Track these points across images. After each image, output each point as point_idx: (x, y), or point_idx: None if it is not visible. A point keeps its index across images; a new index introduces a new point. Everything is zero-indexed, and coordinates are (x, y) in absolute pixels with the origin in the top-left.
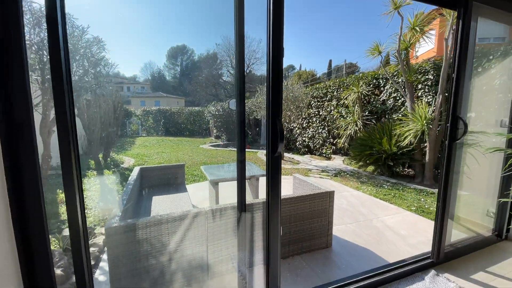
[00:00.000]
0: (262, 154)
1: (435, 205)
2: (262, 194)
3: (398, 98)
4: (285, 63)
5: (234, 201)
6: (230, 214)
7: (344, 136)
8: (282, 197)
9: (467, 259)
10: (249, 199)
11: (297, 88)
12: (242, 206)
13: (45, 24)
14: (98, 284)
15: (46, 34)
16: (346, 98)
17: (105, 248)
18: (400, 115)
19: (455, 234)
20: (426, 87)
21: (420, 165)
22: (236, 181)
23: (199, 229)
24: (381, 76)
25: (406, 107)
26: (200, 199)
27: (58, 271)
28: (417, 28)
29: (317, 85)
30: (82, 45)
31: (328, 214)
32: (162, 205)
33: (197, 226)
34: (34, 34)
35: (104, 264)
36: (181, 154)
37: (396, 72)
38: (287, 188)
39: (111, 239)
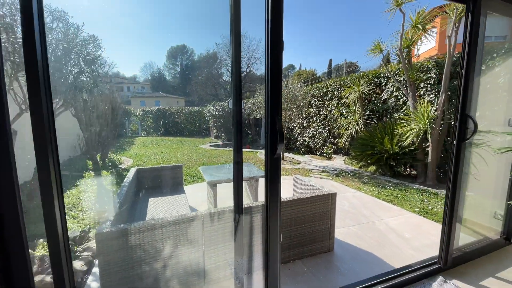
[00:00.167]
0: (262, 154)
1: (438, 205)
2: (262, 196)
3: (399, 97)
4: (285, 63)
5: (232, 203)
6: (227, 218)
7: (345, 136)
8: (282, 200)
9: (475, 264)
10: (248, 201)
11: (297, 87)
12: (239, 209)
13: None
14: None
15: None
16: (347, 97)
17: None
18: (402, 114)
19: (462, 238)
20: (429, 85)
21: (423, 165)
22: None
23: (195, 233)
24: (382, 75)
25: (408, 106)
26: (198, 201)
27: (48, 278)
28: (419, 26)
29: (318, 84)
30: (78, 43)
31: (330, 217)
32: (158, 207)
33: (193, 231)
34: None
35: (97, 270)
36: (180, 154)
37: (397, 71)
38: (287, 189)
39: (102, 245)
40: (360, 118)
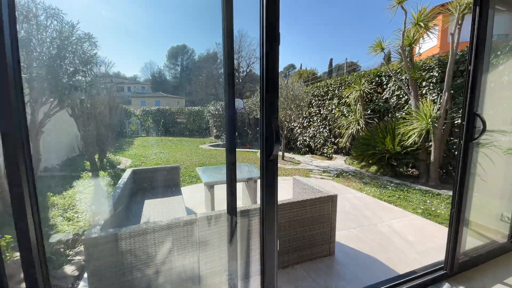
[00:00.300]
0: None
1: (441, 206)
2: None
3: (401, 96)
4: (286, 63)
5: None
6: (224, 221)
7: (346, 136)
8: (280, 202)
9: (482, 269)
10: (247, 202)
11: (298, 86)
12: (232, 212)
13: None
14: None
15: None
16: (347, 97)
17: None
18: (404, 113)
19: (469, 241)
20: (431, 84)
21: (425, 165)
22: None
23: (190, 238)
24: (383, 74)
25: (410, 105)
26: (196, 202)
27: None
28: (421, 24)
29: (318, 83)
30: (73, 41)
31: (330, 220)
32: (154, 209)
33: (187, 235)
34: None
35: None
36: (179, 154)
37: (399, 69)
38: (287, 189)
39: (91, 252)
40: (361, 118)
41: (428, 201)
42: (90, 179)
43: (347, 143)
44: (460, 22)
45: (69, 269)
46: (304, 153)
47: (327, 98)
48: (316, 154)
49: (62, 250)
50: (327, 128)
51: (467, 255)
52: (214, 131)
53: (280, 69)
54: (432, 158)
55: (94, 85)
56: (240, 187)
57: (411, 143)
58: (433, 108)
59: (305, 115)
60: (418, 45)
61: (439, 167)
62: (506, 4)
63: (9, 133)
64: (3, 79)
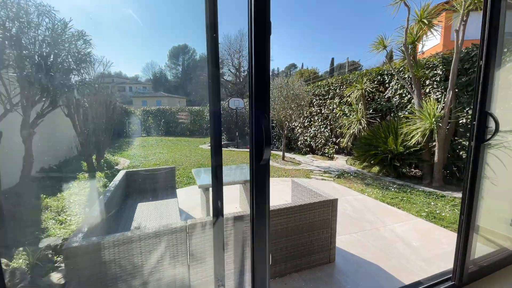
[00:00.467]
0: None
1: (446, 208)
2: None
3: (404, 95)
4: (287, 62)
5: (227, 209)
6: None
7: (347, 135)
8: (277, 208)
9: (492, 279)
10: (245, 206)
11: (298, 85)
12: (218, 219)
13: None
14: None
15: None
16: (349, 96)
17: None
18: (407, 112)
19: (477, 248)
20: (435, 82)
21: (429, 166)
22: (230, 186)
23: (179, 246)
24: (386, 72)
25: (413, 104)
26: (193, 205)
27: None
28: (425, 21)
29: (319, 82)
30: (66, 40)
31: (330, 225)
32: (146, 213)
33: (177, 243)
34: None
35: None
36: (178, 154)
37: (402, 68)
38: (286, 192)
39: (72, 262)
40: (363, 117)
41: (432, 203)
42: (86, 181)
43: (349, 143)
44: (465, 18)
45: (56, 277)
46: (305, 153)
47: (328, 97)
48: (317, 154)
49: (50, 256)
50: (328, 127)
51: (476, 264)
52: None
53: (282, 68)
54: (436, 158)
55: (87, 85)
56: (237, 189)
57: (414, 143)
58: (437, 107)
59: (306, 115)
60: (421, 42)
61: (443, 167)
62: None
63: None
64: None
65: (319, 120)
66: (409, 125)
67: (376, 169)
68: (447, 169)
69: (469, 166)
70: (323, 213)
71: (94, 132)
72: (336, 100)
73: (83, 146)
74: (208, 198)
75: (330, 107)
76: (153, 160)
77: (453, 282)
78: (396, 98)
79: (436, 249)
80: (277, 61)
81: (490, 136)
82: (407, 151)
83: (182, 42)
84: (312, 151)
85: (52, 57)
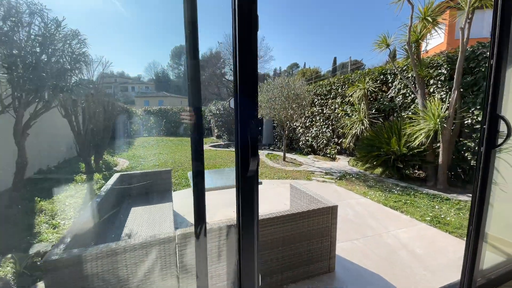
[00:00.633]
0: (262, 155)
1: (451, 212)
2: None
3: (407, 94)
4: (289, 61)
5: (224, 214)
6: (210, 237)
7: (350, 136)
8: (274, 215)
9: None
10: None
11: (299, 85)
12: (200, 230)
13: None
14: None
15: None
16: (351, 96)
17: None
18: (410, 113)
19: (486, 257)
20: (439, 82)
21: (433, 167)
22: (227, 190)
23: (168, 258)
24: (389, 71)
25: (417, 104)
26: (189, 209)
27: None
28: (429, 18)
29: (321, 82)
30: (61, 39)
31: (330, 233)
32: (139, 219)
33: (165, 255)
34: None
35: None
36: (178, 155)
37: (405, 67)
38: (285, 195)
39: (51, 277)
40: (365, 117)
41: (436, 206)
42: (84, 182)
43: (351, 144)
44: (470, 16)
45: (42, 287)
46: (307, 154)
47: (330, 97)
48: (319, 155)
49: (39, 263)
50: (330, 128)
51: (484, 276)
52: (216, 131)
53: (284, 68)
54: (440, 160)
55: (81, 85)
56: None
57: (418, 144)
58: (442, 107)
59: (307, 115)
60: (425, 40)
61: (448, 169)
62: None
63: None
64: None
65: (321, 120)
66: (413, 125)
67: (379, 170)
68: (452, 171)
69: (479, 173)
70: (322, 221)
71: (92, 132)
72: (338, 100)
73: (81, 147)
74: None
75: (332, 107)
76: (153, 161)
77: None
78: (399, 98)
79: (441, 257)
80: (279, 61)
81: (502, 141)
82: (411, 152)
83: (184, 42)
84: (314, 151)
85: (44, 56)
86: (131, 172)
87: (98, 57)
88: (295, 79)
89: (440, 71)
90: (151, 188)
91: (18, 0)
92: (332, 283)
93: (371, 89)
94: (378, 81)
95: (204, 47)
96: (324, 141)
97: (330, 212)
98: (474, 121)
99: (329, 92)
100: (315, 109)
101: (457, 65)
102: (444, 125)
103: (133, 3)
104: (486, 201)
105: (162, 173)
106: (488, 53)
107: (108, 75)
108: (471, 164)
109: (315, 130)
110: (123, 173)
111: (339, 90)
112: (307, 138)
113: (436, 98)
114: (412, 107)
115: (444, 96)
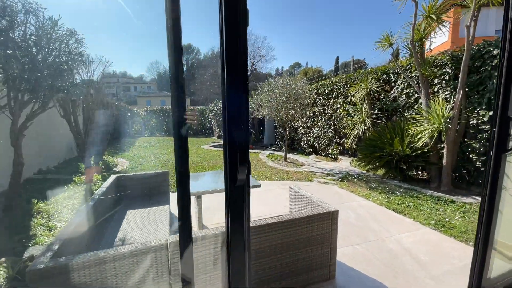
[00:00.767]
0: (264, 155)
1: (456, 216)
2: (253, 212)
3: (411, 94)
4: (291, 61)
5: (222, 218)
6: (206, 244)
7: (352, 136)
8: (271, 222)
9: None
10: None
11: (300, 85)
12: (184, 237)
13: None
14: None
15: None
16: (353, 95)
17: None
18: (414, 113)
19: (494, 264)
20: (443, 81)
21: (437, 169)
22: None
23: (160, 266)
24: (392, 71)
25: (420, 104)
26: None
27: None
28: (433, 16)
29: (323, 81)
30: (58, 39)
31: (330, 239)
32: (135, 222)
33: (157, 263)
34: None
35: None
36: None
37: (408, 66)
38: (285, 197)
39: (36, 287)
40: (367, 117)
41: (441, 209)
42: (83, 183)
43: (353, 144)
44: (476, 13)
45: None
46: (308, 154)
47: (332, 97)
48: (321, 155)
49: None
50: (332, 128)
51: (492, 286)
52: (217, 130)
53: (286, 67)
54: (444, 161)
55: (77, 85)
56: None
57: (422, 145)
58: (446, 107)
59: (309, 115)
60: (429, 39)
61: (452, 170)
62: None
63: None
64: None
65: (323, 120)
66: (416, 126)
67: (381, 171)
68: (456, 172)
69: (488, 179)
70: (322, 226)
71: (92, 133)
72: (340, 99)
73: (80, 148)
74: (201, 206)
75: (334, 107)
76: (153, 162)
77: None
78: (402, 97)
79: (446, 264)
80: (281, 60)
81: None
82: (414, 153)
83: (186, 41)
84: (315, 151)
85: (40, 56)
86: (128, 174)
87: (98, 57)
88: (297, 78)
89: (444, 70)
90: (148, 191)
91: None
92: None
93: (374, 88)
94: (381, 81)
95: (206, 47)
96: (326, 142)
97: (330, 217)
98: (479, 121)
99: (331, 92)
100: (316, 109)
101: (462, 64)
102: (449, 125)
103: (135, 3)
104: (495, 209)
105: (159, 175)
106: (494, 52)
107: (110, 75)
108: (476, 165)
109: (317, 130)
110: (119, 175)
111: (341, 90)
112: (308, 138)
113: (440, 98)
114: (415, 107)
115: (448, 95)
